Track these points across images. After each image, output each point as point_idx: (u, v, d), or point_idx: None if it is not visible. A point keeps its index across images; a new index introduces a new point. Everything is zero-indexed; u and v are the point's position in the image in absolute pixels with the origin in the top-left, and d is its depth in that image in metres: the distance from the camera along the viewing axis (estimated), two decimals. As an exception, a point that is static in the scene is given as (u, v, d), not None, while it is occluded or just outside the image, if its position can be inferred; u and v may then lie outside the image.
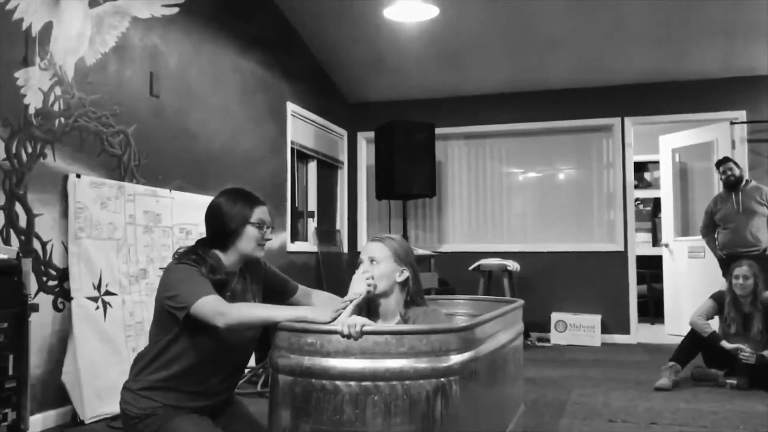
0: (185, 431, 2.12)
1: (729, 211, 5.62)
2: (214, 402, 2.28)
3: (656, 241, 8.98)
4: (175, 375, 2.17)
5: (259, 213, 2.28)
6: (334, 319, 1.98)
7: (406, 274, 2.26)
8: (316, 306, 2.29)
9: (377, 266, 2.21)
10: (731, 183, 5.62)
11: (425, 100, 7.38)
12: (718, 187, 6.39)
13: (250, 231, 2.24)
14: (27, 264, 3.05)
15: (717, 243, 5.75)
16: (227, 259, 2.25)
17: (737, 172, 5.61)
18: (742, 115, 6.62)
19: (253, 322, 2.09)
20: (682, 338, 4.73)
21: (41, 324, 3.36)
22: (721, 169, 5.69)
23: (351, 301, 2.09)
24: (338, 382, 1.82)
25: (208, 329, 2.06)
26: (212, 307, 2.03)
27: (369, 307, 2.23)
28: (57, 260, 3.54)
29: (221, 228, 2.24)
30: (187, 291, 2.08)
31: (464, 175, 7.49)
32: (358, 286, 2.15)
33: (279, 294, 2.44)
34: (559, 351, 6.23)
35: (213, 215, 2.28)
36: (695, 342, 4.60)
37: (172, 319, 2.12)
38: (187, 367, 2.17)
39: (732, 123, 6.65)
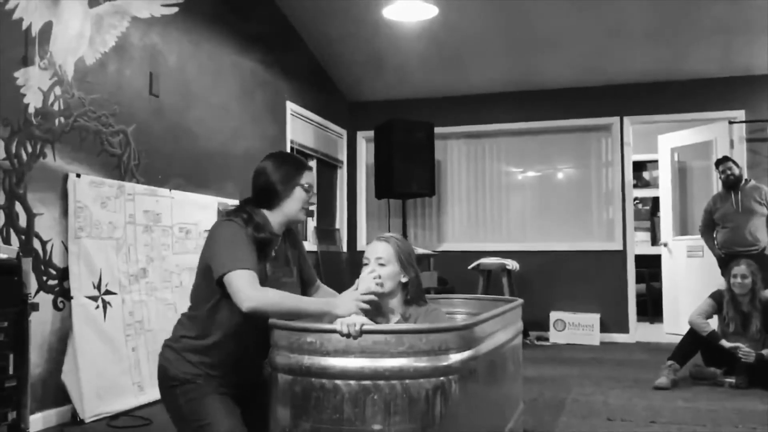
0: (216, 417, 2.09)
1: (728, 211, 5.63)
2: (256, 377, 2.24)
3: (655, 240, 8.99)
4: (218, 341, 2.14)
5: (308, 176, 2.29)
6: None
7: (411, 274, 2.30)
8: (337, 297, 2.22)
9: (383, 267, 2.24)
10: (730, 182, 5.62)
11: (424, 99, 7.38)
12: (717, 187, 6.40)
13: (298, 193, 2.25)
14: (27, 263, 3.05)
15: (716, 242, 5.76)
16: (273, 219, 2.25)
17: (736, 171, 5.62)
18: (740, 114, 6.63)
19: (280, 311, 2.02)
20: (681, 337, 4.74)
21: (41, 323, 3.37)
22: (720, 168, 5.69)
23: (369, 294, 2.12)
24: (338, 381, 1.83)
25: None
26: (242, 285, 1.99)
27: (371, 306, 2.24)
28: (57, 259, 3.54)
29: (269, 188, 2.23)
30: (226, 256, 2.05)
31: (463, 174, 7.49)
32: (367, 286, 2.17)
33: (303, 280, 2.43)
34: (558, 350, 6.24)
35: (261, 175, 2.27)
36: (694, 341, 4.60)
37: (211, 277, 2.09)
38: (230, 333, 2.15)
39: (731, 122, 6.66)
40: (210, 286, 2.12)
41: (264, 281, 2.11)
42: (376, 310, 2.23)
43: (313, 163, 6.97)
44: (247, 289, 2.00)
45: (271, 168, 2.26)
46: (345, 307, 2.04)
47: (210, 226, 2.28)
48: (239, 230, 2.13)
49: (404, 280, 2.28)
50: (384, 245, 2.29)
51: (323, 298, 2.26)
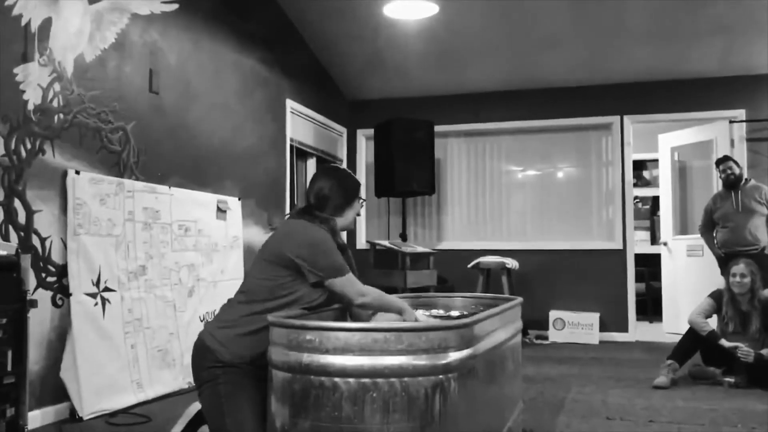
0: (245, 415, 2.17)
1: (728, 210, 5.63)
2: None
3: (655, 240, 8.99)
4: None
5: (361, 189, 2.63)
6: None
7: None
8: (407, 304, 2.50)
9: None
10: (731, 182, 5.62)
11: (425, 98, 7.38)
12: (716, 186, 6.40)
13: (357, 204, 2.56)
14: (26, 260, 3.06)
15: (716, 241, 5.76)
16: (339, 223, 2.50)
17: (737, 171, 5.61)
18: (741, 113, 6.62)
19: (380, 305, 2.43)
20: (681, 336, 4.74)
21: (40, 320, 3.37)
22: (720, 167, 5.69)
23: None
24: (337, 379, 1.83)
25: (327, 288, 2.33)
26: (355, 286, 2.34)
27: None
28: (56, 256, 3.54)
29: (343, 197, 2.50)
30: (333, 262, 2.32)
31: (463, 173, 7.49)
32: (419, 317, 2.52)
33: None
34: (557, 349, 6.24)
35: (339, 185, 2.51)
36: (694, 340, 4.60)
37: (295, 273, 2.29)
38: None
39: (731, 122, 6.65)
40: (285, 275, 2.30)
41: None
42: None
43: (312, 162, 6.97)
44: (359, 287, 2.36)
45: (346, 179, 2.55)
46: (409, 315, 2.44)
47: (295, 226, 2.42)
48: (331, 239, 2.39)
49: None
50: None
51: (399, 298, 2.61)
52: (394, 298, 2.52)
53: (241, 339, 2.25)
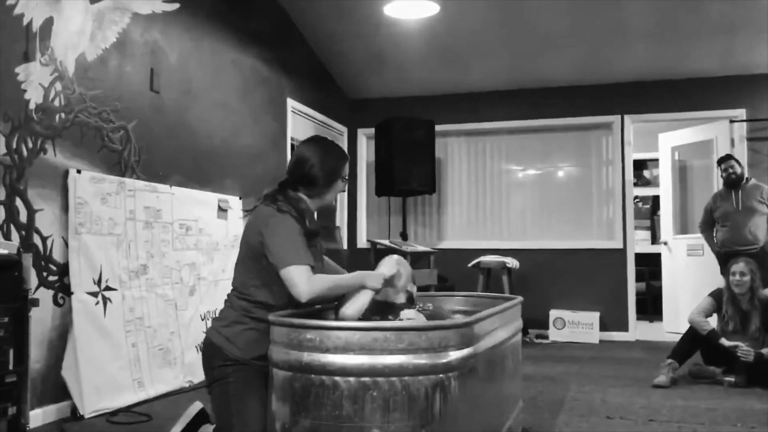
0: (252, 414, 2.15)
1: (728, 209, 5.63)
2: None
3: (655, 239, 8.99)
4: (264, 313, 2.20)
5: (347, 168, 2.42)
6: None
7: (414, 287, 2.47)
8: (365, 272, 2.32)
9: (401, 279, 2.37)
10: (732, 181, 5.62)
11: (425, 97, 7.38)
12: (717, 186, 6.41)
13: (339, 185, 2.38)
14: (27, 259, 3.06)
15: (716, 240, 5.77)
16: (312, 205, 2.36)
17: (738, 170, 5.62)
18: (741, 113, 6.63)
19: (330, 293, 2.21)
20: (681, 335, 4.74)
21: (41, 319, 3.37)
22: (722, 166, 5.69)
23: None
24: (337, 378, 1.83)
25: None
26: (299, 280, 2.12)
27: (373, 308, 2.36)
28: (57, 255, 3.54)
29: (315, 177, 2.32)
30: (286, 251, 2.16)
31: (464, 172, 7.49)
32: (389, 268, 2.31)
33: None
34: (557, 348, 6.24)
35: (306, 163, 2.33)
36: (693, 339, 4.60)
37: (267, 263, 2.20)
38: (279, 307, 2.22)
39: (731, 121, 6.65)
40: (260, 263, 2.22)
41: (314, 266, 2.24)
42: (385, 311, 2.35)
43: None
44: (303, 284, 2.12)
45: (317, 159, 2.33)
46: (374, 280, 2.25)
47: (258, 214, 2.31)
48: (296, 226, 2.23)
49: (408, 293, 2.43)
50: (405, 262, 2.42)
51: (354, 272, 2.34)
52: (349, 277, 2.30)
53: (248, 333, 2.23)
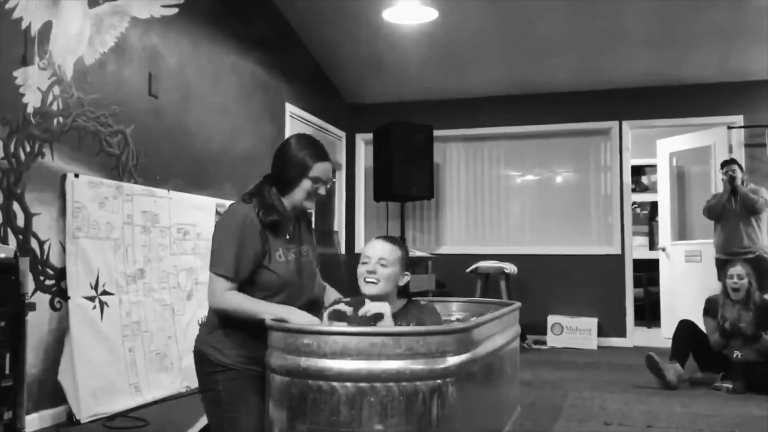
0: (247, 415, 2.13)
1: (726, 212, 5.67)
2: None
3: (653, 245, 8.99)
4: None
5: (319, 170, 2.26)
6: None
7: (407, 278, 2.32)
8: (297, 310, 2.17)
9: (385, 268, 2.24)
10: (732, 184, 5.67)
11: (424, 102, 7.38)
12: (714, 191, 6.41)
13: (305, 184, 2.24)
14: (24, 263, 3.05)
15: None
16: (285, 202, 2.28)
17: (739, 175, 5.65)
18: (739, 119, 6.64)
19: (242, 313, 2.14)
20: (672, 338, 4.76)
21: (38, 323, 3.36)
22: (724, 169, 5.73)
23: (329, 310, 2.16)
24: (335, 383, 1.82)
25: (266, 269, 2.19)
26: (214, 288, 2.16)
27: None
28: (54, 259, 3.54)
29: (282, 172, 2.27)
30: (214, 252, 2.22)
31: (462, 178, 7.49)
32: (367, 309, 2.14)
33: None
34: (555, 354, 6.24)
35: (278, 157, 2.30)
36: (685, 336, 4.66)
37: None
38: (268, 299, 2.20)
39: (729, 127, 6.66)
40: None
41: (269, 263, 2.21)
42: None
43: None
44: (216, 294, 2.17)
45: (290, 153, 2.27)
46: (302, 319, 2.09)
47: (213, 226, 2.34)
48: (235, 223, 2.20)
49: (402, 283, 2.30)
50: (390, 247, 2.28)
51: (283, 306, 2.17)
52: (267, 307, 2.12)
53: (231, 336, 2.20)
